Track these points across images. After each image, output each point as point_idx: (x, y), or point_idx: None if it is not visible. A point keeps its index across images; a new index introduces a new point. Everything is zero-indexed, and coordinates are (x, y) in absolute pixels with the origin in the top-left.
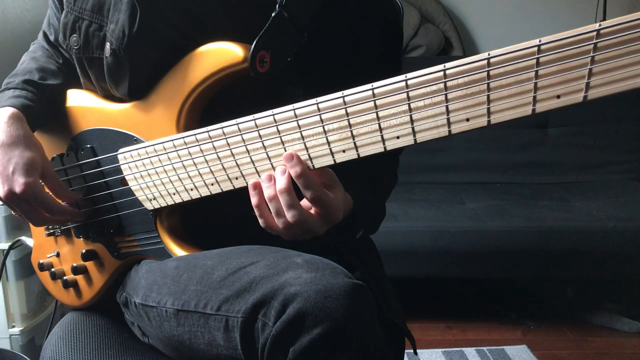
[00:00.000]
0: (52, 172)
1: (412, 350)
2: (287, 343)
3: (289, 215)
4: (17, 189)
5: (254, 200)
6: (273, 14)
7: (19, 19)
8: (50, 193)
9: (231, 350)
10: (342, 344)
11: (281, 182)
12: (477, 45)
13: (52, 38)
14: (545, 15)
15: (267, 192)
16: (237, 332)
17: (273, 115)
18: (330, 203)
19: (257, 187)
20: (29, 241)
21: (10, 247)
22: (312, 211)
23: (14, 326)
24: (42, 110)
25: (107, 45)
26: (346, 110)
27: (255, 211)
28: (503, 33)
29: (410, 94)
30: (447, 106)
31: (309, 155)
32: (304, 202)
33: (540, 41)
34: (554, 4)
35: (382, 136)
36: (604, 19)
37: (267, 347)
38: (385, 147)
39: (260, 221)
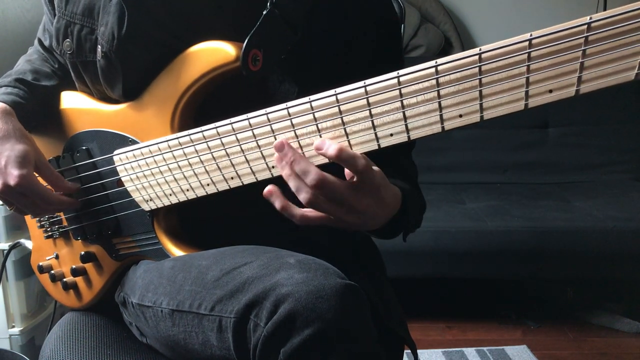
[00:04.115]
0: (46, 163)
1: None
2: (278, 344)
3: (308, 180)
4: (12, 181)
5: (277, 204)
6: (265, 12)
7: (19, 19)
8: (47, 184)
9: (224, 350)
10: (333, 345)
11: (289, 153)
12: (477, 45)
13: (46, 43)
14: (545, 15)
15: (284, 172)
16: (229, 332)
17: (266, 114)
18: (375, 176)
19: (273, 192)
20: (28, 243)
21: (11, 248)
22: (346, 182)
23: (13, 326)
24: (33, 109)
25: (99, 48)
26: (339, 108)
27: (285, 214)
28: (503, 33)
29: (403, 90)
30: (439, 102)
31: (303, 153)
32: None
33: (531, 35)
34: (555, 3)
35: (375, 134)
36: None
37: (258, 348)
38: (379, 145)
39: (296, 220)
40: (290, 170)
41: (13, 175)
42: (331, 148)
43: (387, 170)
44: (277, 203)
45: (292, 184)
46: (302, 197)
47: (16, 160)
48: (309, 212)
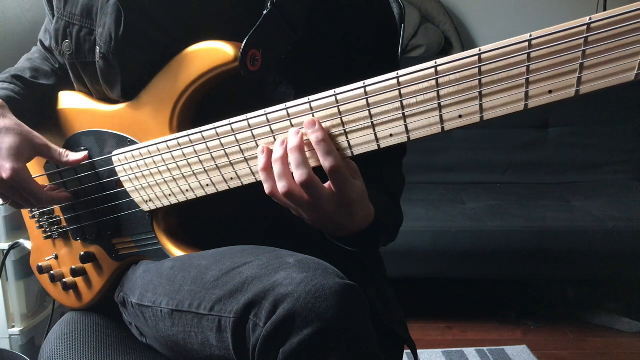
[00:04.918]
0: (45, 152)
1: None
2: (277, 344)
3: (297, 174)
4: (4, 174)
5: (261, 162)
6: (265, 12)
7: (19, 19)
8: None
9: (224, 350)
10: (332, 345)
11: (294, 141)
12: (477, 45)
13: (47, 44)
14: (545, 15)
15: (277, 153)
16: (229, 332)
17: (266, 114)
18: (348, 179)
19: (265, 151)
20: (27, 244)
21: (10, 248)
22: (327, 185)
23: (13, 326)
24: (29, 106)
25: (97, 49)
26: (338, 109)
27: (261, 175)
28: (503, 33)
29: (402, 91)
30: (439, 103)
31: None
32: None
33: (531, 36)
34: (555, 3)
35: (375, 134)
36: None
37: (257, 348)
38: (379, 145)
39: (266, 186)
40: (284, 153)
41: (6, 168)
42: (316, 134)
43: (369, 178)
44: (262, 161)
45: (277, 168)
46: (281, 185)
47: (9, 154)
48: (276, 192)
